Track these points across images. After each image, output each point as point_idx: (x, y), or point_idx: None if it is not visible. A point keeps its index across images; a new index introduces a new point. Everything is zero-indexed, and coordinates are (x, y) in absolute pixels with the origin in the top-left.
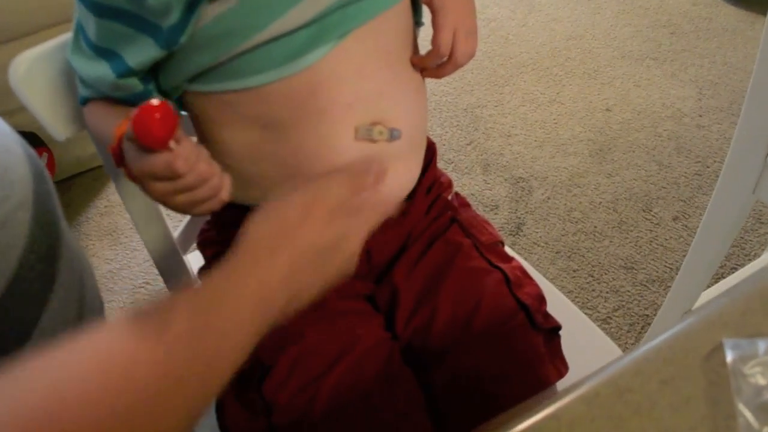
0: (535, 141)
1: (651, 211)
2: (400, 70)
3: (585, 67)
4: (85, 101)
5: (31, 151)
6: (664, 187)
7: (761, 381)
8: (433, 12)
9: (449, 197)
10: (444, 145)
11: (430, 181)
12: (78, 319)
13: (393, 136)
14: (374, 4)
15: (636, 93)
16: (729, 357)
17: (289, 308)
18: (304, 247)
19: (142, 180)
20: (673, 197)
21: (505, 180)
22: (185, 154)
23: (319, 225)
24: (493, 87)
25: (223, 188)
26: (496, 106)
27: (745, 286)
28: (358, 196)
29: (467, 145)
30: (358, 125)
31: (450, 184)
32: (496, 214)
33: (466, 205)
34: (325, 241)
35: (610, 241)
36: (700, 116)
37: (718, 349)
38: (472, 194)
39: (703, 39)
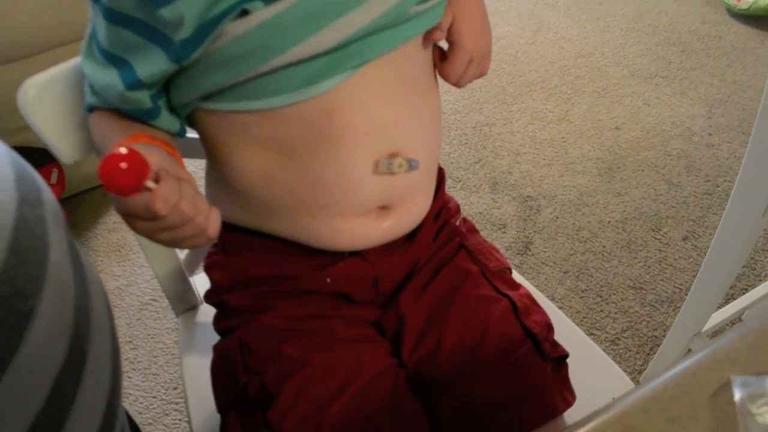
0: (544, 159)
1: (660, 230)
2: (418, 98)
3: (594, 85)
4: (91, 108)
5: (27, 172)
6: (674, 207)
7: None
8: (450, 44)
9: (457, 223)
10: (452, 163)
11: (439, 207)
12: (71, 352)
13: (411, 167)
14: (397, 35)
15: (645, 111)
16: (737, 395)
17: None
18: None
19: (123, 217)
20: (683, 217)
21: (514, 198)
22: (164, 194)
23: None
24: (502, 105)
25: (209, 226)
26: (504, 125)
27: (754, 321)
28: None
29: (476, 163)
30: (377, 157)
31: (458, 209)
32: (504, 233)
33: (473, 230)
34: None
35: (619, 261)
36: (710, 135)
37: (726, 387)
38: (480, 212)
39: (713, 57)
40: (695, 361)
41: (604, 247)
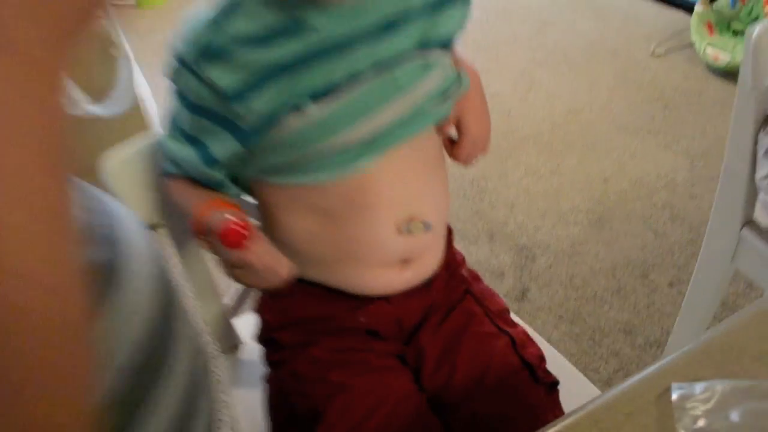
0: (537, 211)
1: (648, 277)
2: (431, 172)
3: (583, 140)
4: (168, 175)
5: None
6: (660, 255)
7: (697, 413)
8: (458, 131)
9: (463, 272)
10: (452, 215)
11: (448, 259)
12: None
13: (427, 228)
14: (416, 125)
15: (632, 164)
16: (674, 396)
17: None
18: None
19: (225, 267)
20: (669, 264)
21: (510, 248)
22: (257, 251)
23: None
24: (497, 160)
25: (283, 272)
26: (500, 178)
27: (692, 345)
28: None
29: (474, 215)
30: (399, 221)
31: (463, 261)
32: (502, 281)
33: (477, 278)
34: None
35: (610, 306)
36: (693, 186)
37: (668, 390)
38: (479, 261)
39: (694, 112)
40: (646, 373)
41: (595, 293)
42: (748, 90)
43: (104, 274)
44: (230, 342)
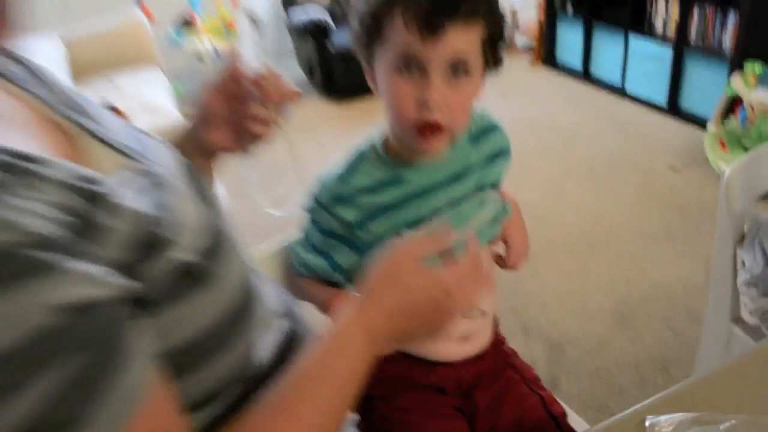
0: (566, 309)
1: (668, 371)
2: (488, 270)
3: (608, 245)
4: (301, 275)
5: None
6: (679, 351)
7: None
8: (506, 247)
9: (505, 348)
10: None
11: (495, 339)
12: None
13: (482, 315)
14: (479, 241)
15: (652, 268)
16: (647, 423)
17: (394, 343)
18: (407, 302)
19: None
20: (687, 359)
21: (542, 342)
22: None
23: (420, 285)
24: (530, 262)
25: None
26: (532, 279)
27: (664, 391)
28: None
29: (510, 311)
30: (463, 309)
31: (504, 340)
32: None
33: (515, 354)
34: (424, 304)
35: (634, 398)
36: (708, 288)
37: (642, 422)
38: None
39: (709, 220)
40: (629, 412)
41: (620, 385)
42: (725, 215)
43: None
44: None
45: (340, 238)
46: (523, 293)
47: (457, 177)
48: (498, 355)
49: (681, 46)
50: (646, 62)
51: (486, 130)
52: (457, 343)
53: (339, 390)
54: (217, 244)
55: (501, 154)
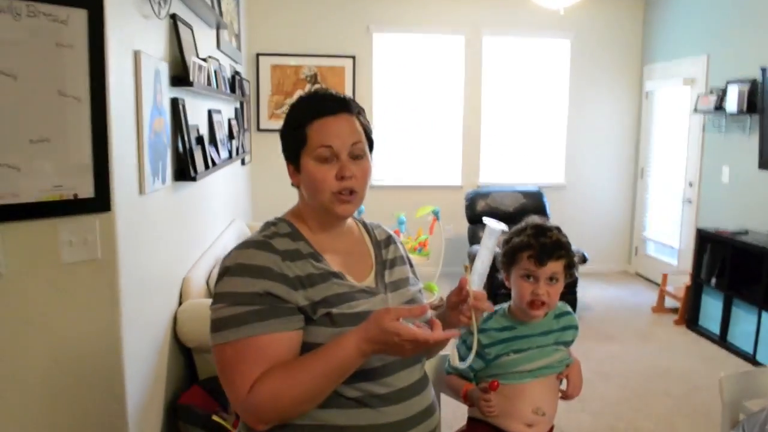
0: None
1: None
2: (552, 391)
3: None
4: (448, 373)
5: None
6: None
7: None
8: (567, 383)
9: None
10: None
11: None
12: None
13: (543, 414)
14: (551, 371)
15: None
16: None
17: (376, 353)
18: (382, 342)
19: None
20: None
21: None
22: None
23: (385, 340)
24: None
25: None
26: None
27: None
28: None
29: None
30: (533, 407)
31: None
32: None
33: None
34: (388, 347)
35: None
36: None
37: None
38: None
39: None
40: None
41: None
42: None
43: None
44: None
45: (479, 355)
46: None
47: (545, 332)
48: None
49: None
50: None
51: (563, 313)
52: (525, 427)
53: (329, 368)
54: None
55: (570, 327)
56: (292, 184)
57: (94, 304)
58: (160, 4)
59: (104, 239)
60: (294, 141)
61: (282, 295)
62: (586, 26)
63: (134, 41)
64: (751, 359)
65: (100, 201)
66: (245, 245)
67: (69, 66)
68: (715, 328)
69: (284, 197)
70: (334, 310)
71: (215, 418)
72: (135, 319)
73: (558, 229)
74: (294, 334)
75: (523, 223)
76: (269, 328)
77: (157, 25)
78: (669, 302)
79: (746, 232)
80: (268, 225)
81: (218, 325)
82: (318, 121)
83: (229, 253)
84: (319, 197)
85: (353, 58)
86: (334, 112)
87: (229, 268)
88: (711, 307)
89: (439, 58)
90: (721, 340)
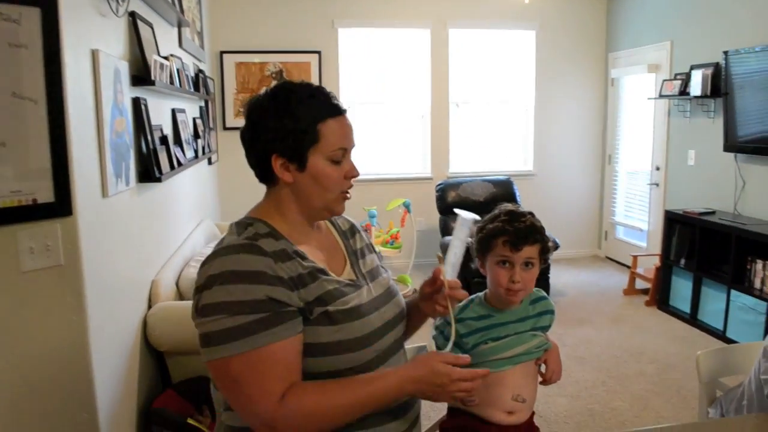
0: None
1: None
2: (530, 377)
3: None
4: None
5: None
6: None
7: None
8: (546, 368)
9: (535, 424)
10: None
11: (530, 420)
12: None
13: (524, 401)
14: (528, 357)
15: None
16: None
17: (415, 394)
18: (429, 383)
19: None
20: None
21: None
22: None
23: (433, 382)
24: None
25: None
26: None
27: None
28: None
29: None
30: (513, 393)
31: (537, 427)
32: None
33: (538, 429)
34: (433, 388)
35: None
36: None
37: None
38: None
39: None
40: None
41: None
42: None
43: None
44: None
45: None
46: None
47: (521, 319)
48: (530, 429)
49: None
50: (745, 313)
51: (539, 298)
52: (506, 414)
53: (367, 396)
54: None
55: (547, 312)
56: (268, 182)
57: (58, 312)
58: (118, 1)
59: (67, 245)
60: (302, 138)
61: (283, 299)
62: (551, 16)
63: (92, 40)
64: (722, 336)
65: (61, 205)
66: (229, 250)
67: (24, 67)
68: (686, 307)
69: (252, 196)
70: (331, 308)
71: (191, 421)
72: (102, 326)
73: (531, 214)
74: (299, 337)
75: (496, 210)
76: (277, 336)
77: (115, 24)
78: (639, 284)
79: (713, 212)
80: (244, 225)
81: (220, 338)
82: (332, 120)
83: (209, 261)
84: (326, 196)
85: (319, 53)
86: (342, 113)
87: (216, 277)
88: (681, 287)
89: (405, 51)
90: (692, 319)
